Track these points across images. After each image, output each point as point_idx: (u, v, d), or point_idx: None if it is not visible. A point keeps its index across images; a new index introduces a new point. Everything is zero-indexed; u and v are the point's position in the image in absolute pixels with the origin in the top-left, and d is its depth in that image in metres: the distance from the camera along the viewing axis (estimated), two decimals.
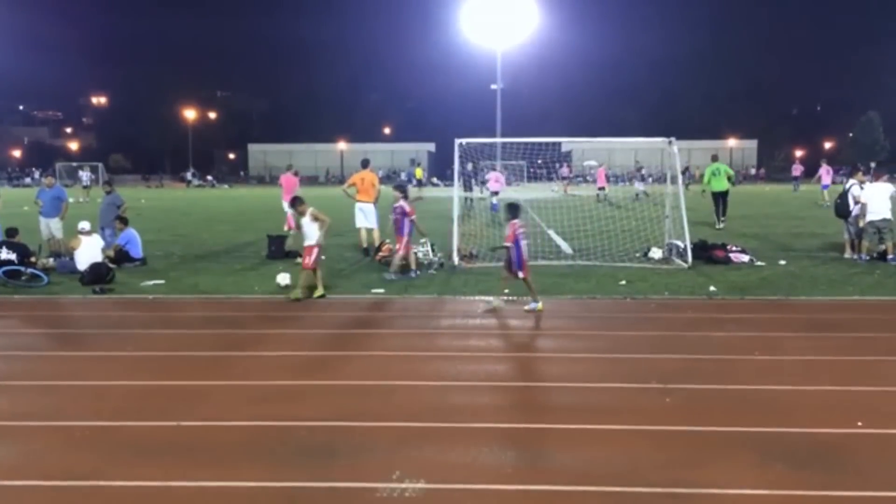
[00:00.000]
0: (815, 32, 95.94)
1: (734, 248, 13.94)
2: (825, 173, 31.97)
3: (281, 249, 14.50)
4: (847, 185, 14.58)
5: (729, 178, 20.98)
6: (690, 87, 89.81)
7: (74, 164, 68.19)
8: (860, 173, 14.89)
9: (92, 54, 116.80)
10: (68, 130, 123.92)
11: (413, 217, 12.18)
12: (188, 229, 21.66)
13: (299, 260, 13.64)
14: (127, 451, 5.02)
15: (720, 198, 20.62)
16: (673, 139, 14.25)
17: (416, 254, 12.85)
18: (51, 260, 13.23)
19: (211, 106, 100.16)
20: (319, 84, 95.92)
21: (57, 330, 9.26)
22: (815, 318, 9.07)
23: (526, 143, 20.10)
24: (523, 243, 9.52)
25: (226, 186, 70.06)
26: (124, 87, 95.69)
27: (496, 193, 26.31)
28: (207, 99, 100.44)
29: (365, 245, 14.87)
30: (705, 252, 13.61)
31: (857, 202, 13.78)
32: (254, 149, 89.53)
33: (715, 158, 21.86)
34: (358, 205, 14.90)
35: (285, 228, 17.66)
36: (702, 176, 24.23)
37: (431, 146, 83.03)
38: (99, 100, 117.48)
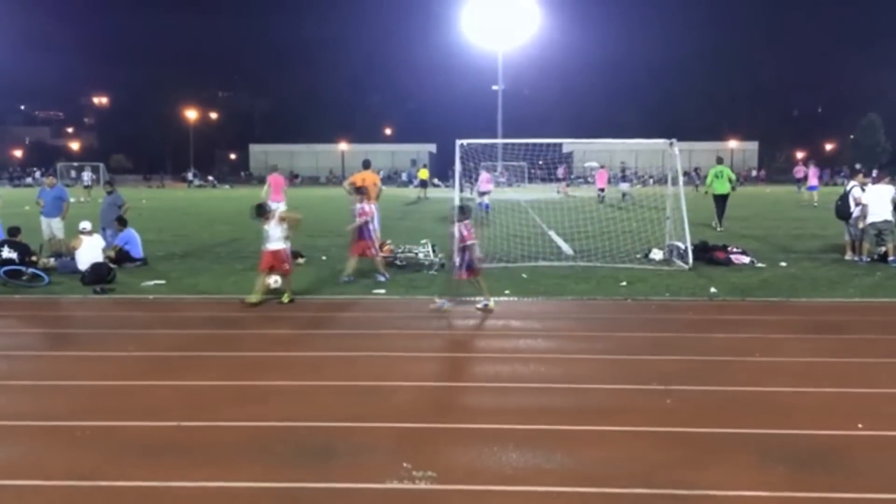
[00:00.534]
0: (816, 34, 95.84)
1: (735, 250, 13.94)
2: (812, 175, 33.01)
3: None
4: (848, 187, 14.59)
5: (730, 181, 21.00)
6: (691, 89, 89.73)
7: (76, 164, 68.24)
8: (861, 175, 14.90)
9: (93, 54, 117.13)
10: (70, 130, 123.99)
11: (371, 219, 11.84)
12: (189, 229, 21.67)
13: (301, 261, 13.72)
14: (127, 451, 5.02)
15: (720, 200, 20.67)
16: (674, 140, 14.26)
17: (417, 252, 12.84)
18: (52, 260, 13.23)
19: (212, 106, 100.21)
20: (321, 84, 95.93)
21: (57, 330, 9.27)
22: (815, 320, 9.07)
23: (527, 144, 20.13)
24: (475, 244, 9.69)
25: (227, 187, 70.01)
26: (126, 87, 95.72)
27: (486, 193, 26.47)
28: (209, 99, 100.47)
29: None
30: (706, 253, 13.62)
31: (857, 204, 13.79)
32: (255, 149, 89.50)
33: (720, 161, 21.88)
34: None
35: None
36: (705, 177, 24.42)
37: (433, 147, 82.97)
38: (100, 100, 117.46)
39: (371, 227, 11.91)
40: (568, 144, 66.50)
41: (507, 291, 10.86)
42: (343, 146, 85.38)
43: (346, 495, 4.38)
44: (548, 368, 7.04)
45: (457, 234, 9.55)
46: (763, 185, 66.14)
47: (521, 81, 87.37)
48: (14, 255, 11.94)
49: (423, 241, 13.78)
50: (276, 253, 10.06)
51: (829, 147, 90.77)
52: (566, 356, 7.57)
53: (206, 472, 4.66)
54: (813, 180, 32.56)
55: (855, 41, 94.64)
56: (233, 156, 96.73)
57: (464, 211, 9.95)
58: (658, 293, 10.72)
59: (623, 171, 39.86)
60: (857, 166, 19.16)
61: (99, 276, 11.56)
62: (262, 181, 23.43)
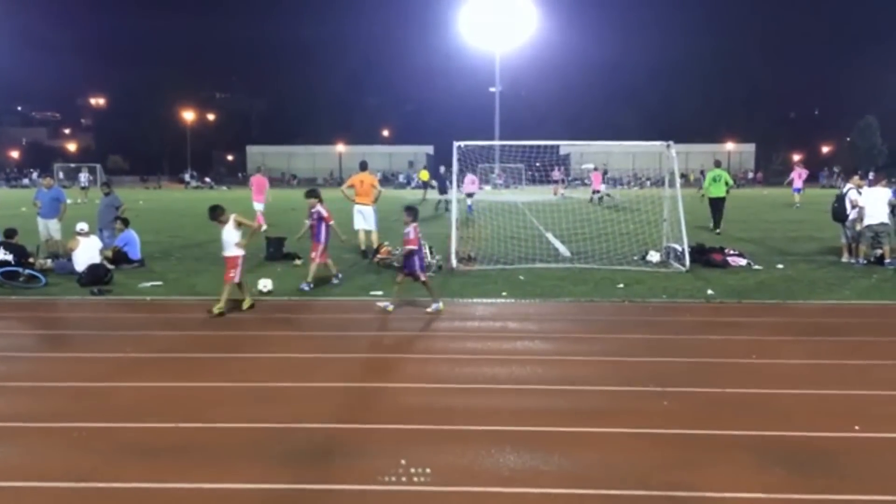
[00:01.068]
0: (813, 37, 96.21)
1: (732, 252, 13.97)
2: (797, 176, 33.67)
3: (279, 251, 14.52)
4: (844, 189, 14.62)
5: (726, 185, 20.92)
6: (689, 91, 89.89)
7: (73, 165, 68.09)
8: (857, 177, 14.94)
9: (90, 55, 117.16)
10: (66, 131, 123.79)
11: (331, 222, 11.49)
12: (186, 231, 21.65)
13: (298, 262, 13.72)
14: (125, 452, 5.02)
15: (717, 204, 20.59)
16: (671, 143, 14.29)
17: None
18: (49, 261, 13.20)
19: (209, 107, 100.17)
20: (318, 86, 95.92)
21: (54, 331, 9.25)
22: (812, 322, 9.09)
23: (524, 147, 20.15)
24: (423, 246, 9.70)
25: (224, 188, 69.96)
26: (123, 88, 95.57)
27: (471, 195, 26.58)
28: (206, 100, 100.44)
29: (363, 247, 14.89)
30: (703, 256, 13.64)
31: (854, 206, 13.82)
32: (252, 150, 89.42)
33: (718, 164, 21.78)
34: (356, 207, 14.96)
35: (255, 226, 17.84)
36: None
37: (430, 149, 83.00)
38: (97, 101, 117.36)
39: (323, 230, 11.37)
40: (565, 146, 66.71)
41: (504, 293, 10.87)
42: (340, 147, 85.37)
43: (344, 497, 4.38)
44: (545, 370, 7.04)
45: (412, 235, 9.49)
46: (760, 188, 66.25)
47: (518, 83, 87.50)
48: (11, 257, 11.93)
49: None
50: (227, 259, 9.57)
51: (825, 149, 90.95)
52: (563, 358, 7.58)
53: (204, 474, 4.66)
54: (797, 182, 33.37)
55: (852, 44, 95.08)
56: (230, 157, 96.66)
57: (412, 212, 9.80)
58: (655, 295, 10.74)
59: (604, 173, 40.38)
60: (863, 170, 19.55)
61: (96, 277, 11.55)
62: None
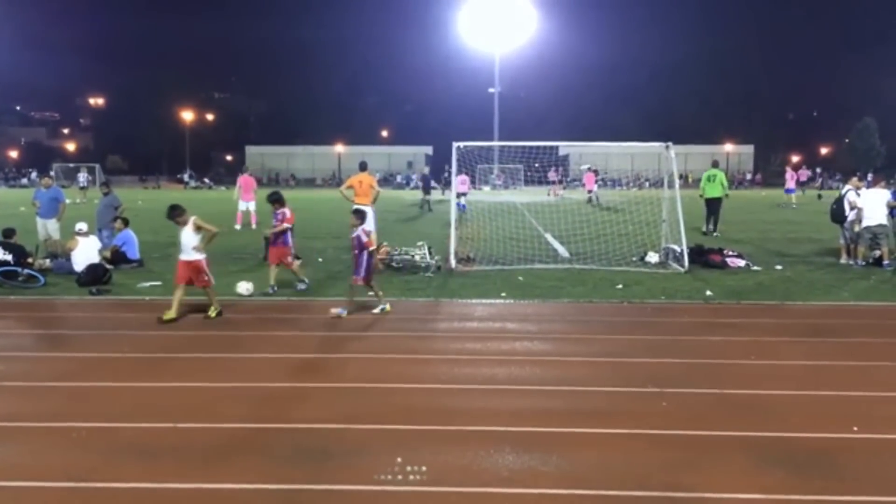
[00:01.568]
0: (812, 38, 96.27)
1: (730, 253, 13.98)
2: (790, 178, 34.52)
3: None
4: (843, 191, 14.64)
5: (722, 186, 20.70)
6: (688, 92, 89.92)
7: (72, 165, 68.03)
8: (856, 179, 14.97)
9: (90, 55, 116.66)
10: (65, 131, 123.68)
11: (291, 226, 11.36)
12: None
13: (297, 263, 13.68)
14: (124, 452, 5.02)
15: (712, 205, 20.35)
16: (670, 144, 14.30)
17: (413, 255, 12.83)
18: (47, 261, 13.19)
19: (208, 107, 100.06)
20: (317, 86, 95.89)
21: (53, 331, 9.25)
22: (810, 323, 9.10)
23: (523, 147, 20.17)
24: (373, 249, 9.82)
25: (223, 188, 69.91)
26: (122, 88, 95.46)
27: (463, 195, 26.67)
28: (205, 100, 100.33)
29: None
30: (702, 256, 13.65)
31: (853, 207, 13.84)
32: (251, 151, 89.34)
33: (715, 164, 21.41)
34: (356, 207, 14.92)
35: (236, 226, 18.42)
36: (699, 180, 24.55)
37: (429, 149, 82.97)
38: (96, 101, 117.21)
39: (290, 234, 11.31)
40: (564, 147, 66.76)
41: (503, 294, 10.88)
42: (339, 148, 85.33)
43: (343, 497, 4.38)
44: (544, 371, 7.05)
45: (362, 238, 9.46)
46: (759, 189, 66.31)
47: (517, 84, 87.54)
48: (9, 257, 11.92)
49: (420, 244, 13.79)
50: (189, 264, 9.18)
51: (824, 151, 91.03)
52: (562, 359, 7.58)
53: (203, 474, 4.66)
54: (790, 183, 34.16)
55: (850, 45, 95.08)
56: (229, 157, 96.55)
57: (360, 215, 9.73)
58: (654, 296, 10.75)
59: (595, 173, 40.55)
60: (862, 172, 19.70)
61: (95, 277, 11.54)
62: (257, 183, 23.63)
